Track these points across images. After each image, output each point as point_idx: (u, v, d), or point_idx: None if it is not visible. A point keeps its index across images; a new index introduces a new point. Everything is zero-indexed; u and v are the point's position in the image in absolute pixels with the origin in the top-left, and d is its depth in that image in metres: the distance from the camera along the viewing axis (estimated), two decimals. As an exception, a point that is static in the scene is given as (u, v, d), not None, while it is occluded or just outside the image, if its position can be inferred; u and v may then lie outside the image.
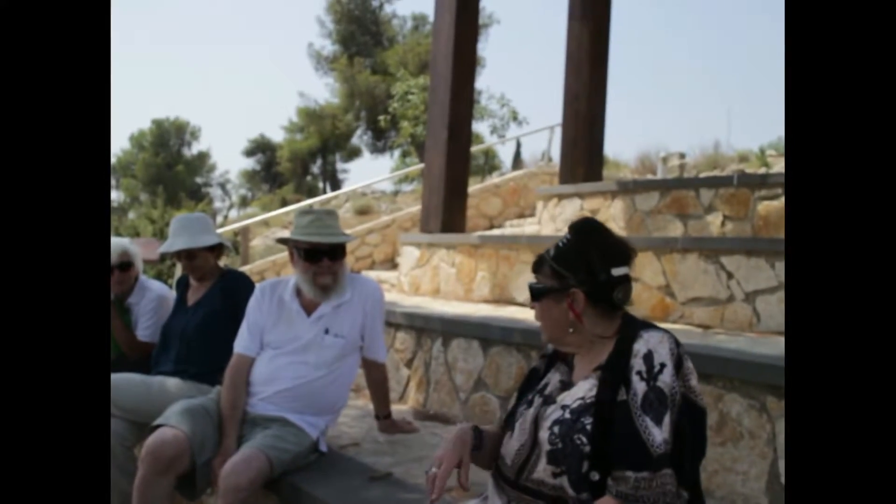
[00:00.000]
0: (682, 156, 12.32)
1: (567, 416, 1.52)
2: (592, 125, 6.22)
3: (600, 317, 1.60)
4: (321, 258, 2.65)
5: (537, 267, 1.67)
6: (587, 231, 1.64)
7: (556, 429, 1.52)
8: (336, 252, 2.69)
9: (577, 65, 6.19)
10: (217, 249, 3.21)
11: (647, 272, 3.80)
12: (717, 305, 3.54)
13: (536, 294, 1.65)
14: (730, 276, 3.50)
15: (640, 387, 1.45)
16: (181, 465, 2.46)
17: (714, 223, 4.73)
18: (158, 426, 2.50)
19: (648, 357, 1.47)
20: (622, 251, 1.61)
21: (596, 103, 6.21)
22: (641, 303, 3.78)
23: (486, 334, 3.35)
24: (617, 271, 1.57)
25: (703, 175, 10.01)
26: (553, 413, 1.56)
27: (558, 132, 7.69)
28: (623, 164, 14.69)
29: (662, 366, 1.46)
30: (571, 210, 5.73)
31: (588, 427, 1.48)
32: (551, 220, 5.95)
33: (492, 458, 1.72)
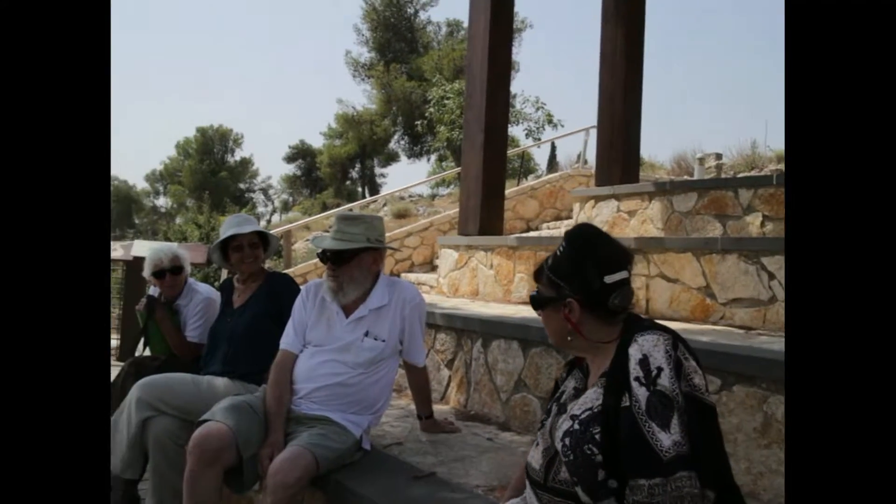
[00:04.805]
0: (719, 156, 12.11)
1: (576, 426, 1.52)
2: (628, 126, 6.16)
3: (599, 323, 1.60)
4: (328, 263, 2.76)
5: (537, 276, 1.69)
6: (581, 240, 1.64)
7: (567, 440, 1.52)
8: (337, 258, 2.74)
9: (612, 66, 6.16)
10: (264, 247, 3.34)
11: (686, 273, 3.77)
12: (758, 306, 3.48)
13: (536, 304, 1.68)
14: (771, 276, 3.44)
15: (640, 392, 1.43)
16: (227, 457, 2.52)
17: (753, 223, 4.66)
18: (204, 421, 2.58)
19: (644, 362, 1.46)
20: (617, 257, 1.61)
21: (631, 104, 6.15)
22: (681, 304, 3.76)
23: (525, 335, 3.34)
24: (611, 278, 1.57)
25: (741, 175, 9.84)
26: (563, 423, 1.56)
27: (593, 134, 7.67)
28: (659, 166, 14.50)
29: (659, 370, 1.45)
30: (608, 211, 5.71)
31: (597, 437, 1.47)
32: (588, 222, 5.93)
33: None
